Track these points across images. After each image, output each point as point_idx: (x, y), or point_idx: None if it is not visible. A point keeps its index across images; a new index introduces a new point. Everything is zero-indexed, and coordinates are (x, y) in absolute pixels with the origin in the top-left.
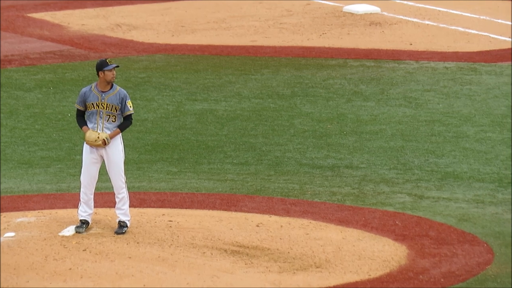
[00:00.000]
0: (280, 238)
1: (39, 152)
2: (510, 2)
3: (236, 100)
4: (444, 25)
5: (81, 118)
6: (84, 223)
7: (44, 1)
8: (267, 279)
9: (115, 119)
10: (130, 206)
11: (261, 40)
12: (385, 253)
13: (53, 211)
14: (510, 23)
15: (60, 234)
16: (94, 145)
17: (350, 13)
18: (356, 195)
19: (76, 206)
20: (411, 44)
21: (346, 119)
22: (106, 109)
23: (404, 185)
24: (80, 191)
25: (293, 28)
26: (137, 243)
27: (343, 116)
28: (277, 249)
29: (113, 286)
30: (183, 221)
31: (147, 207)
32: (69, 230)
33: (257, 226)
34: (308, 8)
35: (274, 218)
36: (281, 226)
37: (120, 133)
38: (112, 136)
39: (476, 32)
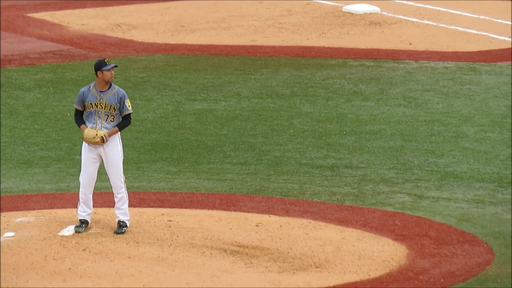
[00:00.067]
0: (280, 238)
1: (39, 152)
2: (510, 2)
3: (235, 100)
4: (444, 25)
5: (79, 117)
6: (83, 223)
7: (44, 1)
8: (267, 279)
9: (113, 119)
10: (129, 206)
11: (260, 40)
12: (385, 253)
13: (53, 211)
14: (510, 23)
15: (60, 234)
16: (92, 142)
17: (350, 12)
18: (356, 195)
19: (75, 206)
20: (410, 44)
21: (345, 119)
22: (104, 108)
23: (403, 185)
24: (79, 191)
25: (292, 27)
26: (137, 242)
27: (342, 116)
28: (277, 249)
29: (113, 286)
30: (182, 221)
31: (146, 206)
32: (69, 230)
33: (257, 226)
34: (308, 8)
35: (273, 218)
36: (281, 226)
37: (119, 133)
38: (110, 134)
39: (476, 32)
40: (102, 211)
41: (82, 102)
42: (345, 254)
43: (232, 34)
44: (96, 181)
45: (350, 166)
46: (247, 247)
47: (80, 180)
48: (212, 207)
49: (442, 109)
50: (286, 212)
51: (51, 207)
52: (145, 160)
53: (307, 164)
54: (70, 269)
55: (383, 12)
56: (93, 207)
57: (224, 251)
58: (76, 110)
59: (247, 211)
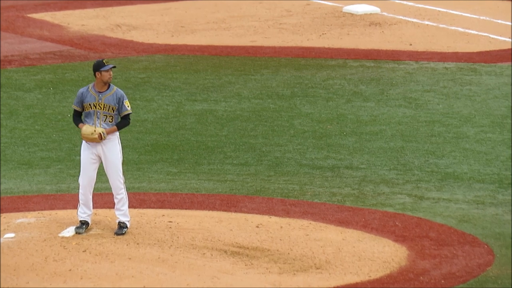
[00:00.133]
0: (280, 239)
1: (39, 153)
2: (510, 2)
3: (236, 100)
4: (444, 26)
5: (78, 118)
6: (84, 224)
7: (44, 1)
8: (267, 280)
9: (112, 119)
10: (130, 207)
11: (260, 41)
12: (385, 254)
13: (53, 212)
14: (510, 23)
15: (60, 235)
16: (90, 139)
17: (350, 13)
18: (356, 196)
19: (76, 207)
20: (410, 45)
21: (346, 119)
22: (103, 109)
23: (404, 186)
24: (78, 192)
25: (292, 28)
26: (137, 244)
27: (343, 116)
28: (277, 250)
29: (113, 287)
30: (183, 222)
31: (147, 207)
32: (69, 231)
33: (257, 227)
34: (308, 9)
35: (274, 219)
36: (281, 227)
37: (118, 134)
38: (109, 132)
39: (476, 32)
40: (103, 212)
41: (81, 103)
42: (346, 255)
43: (232, 34)
44: (96, 182)
45: (351, 167)
46: (248, 248)
47: (80, 181)
48: (213, 208)
49: (443, 110)
50: (287, 213)
51: (52, 208)
52: (145, 161)
53: (307, 165)
54: (70, 270)
55: (383, 13)
56: (94, 208)
57: (225, 252)
58: (75, 110)
59: (248, 212)
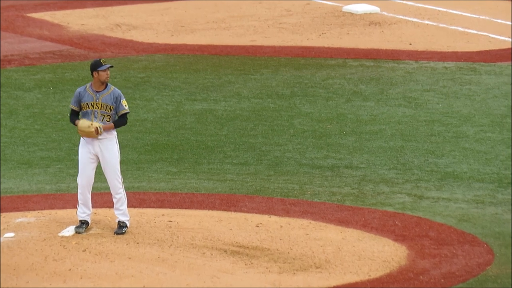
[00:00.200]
0: (280, 239)
1: (39, 152)
2: (509, 2)
3: (235, 100)
4: (444, 25)
5: (75, 116)
6: (83, 224)
7: (43, 1)
8: (267, 280)
9: (109, 119)
10: (129, 206)
11: (260, 40)
12: (385, 254)
13: (53, 212)
14: (509, 23)
15: (60, 234)
16: (86, 132)
17: (350, 13)
18: (356, 195)
19: (75, 206)
20: (410, 44)
21: (345, 119)
22: (100, 108)
23: (403, 185)
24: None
25: (292, 28)
26: (137, 243)
27: (342, 116)
28: (277, 250)
29: (113, 287)
30: (182, 222)
31: (146, 207)
32: (69, 231)
33: (257, 226)
34: (308, 8)
35: (273, 218)
36: (281, 227)
37: (116, 133)
38: (105, 128)
39: (476, 32)
40: (103, 212)
41: (79, 103)
42: (346, 254)
43: (232, 34)
44: (96, 181)
45: (350, 167)
46: (248, 247)
47: (78, 181)
48: (212, 207)
49: (442, 109)
50: (286, 213)
51: (51, 207)
52: (145, 160)
53: (307, 165)
54: (70, 269)
55: (383, 12)
56: (93, 207)
57: (225, 251)
58: (72, 110)
59: (247, 212)
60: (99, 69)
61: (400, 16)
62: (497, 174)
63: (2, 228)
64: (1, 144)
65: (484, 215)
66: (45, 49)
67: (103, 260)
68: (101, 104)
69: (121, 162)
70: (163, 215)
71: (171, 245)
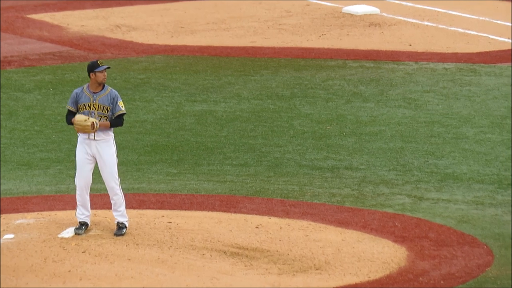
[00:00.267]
0: (280, 240)
1: (39, 154)
2: (509, 3)
3: (235, 101)
4: (444, 26)
5: (71, 117)
6: (83, 225)
7: (43, 2)
8: (267, 281)
9: (106, 119)
10: (129, 208)
11: (260, 41)
12: (385, 255)
13: (53, 213)
14: (509, 24)
15: (60, 236)
16: (82, 126)
17: (350, 14)
18: (356, 197)
19: (75, 208)
20: (410, 45)
21: (345, 120)
22: (97, 110)
23: (403, 186)
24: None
25: (292, 29)
26: (137, 244)
27: (342, 117)
28: (277, 251)
29: None
30: (182, 223)
31: (146, 208)
32: (68, 232)
33: (257, 227)
34: (308, 9)
35: (273, 219)
36: (281, 228)
37: (113, 135)
38: (101, 125)
39: (476, 33)
40: (102, 213)
41: (76, 104)
42: (345, 256)
43: (232, 35)
44: (96, 183)
45: (350, 168)
46: (247, 249)
47: (76, 182)
48: (212, 208)
49: (442, 111)
50: (286, 214)
51: (51, 209)
52: (145, 161)
53: (307, 166)
54: (69, 271)
55: (383, 13)
56: (93, 209)
57: (224, 253)
58: (69, 111)
59: (247, 213)
60: (96, 70)
61: (400, 17)
62: (497, 175)
63: (1, 229)
64: (1, 145)
65: (484, 216)
66: (45, 50)
67: (102, 261)
68: (98, 105)
69: (120, 163)
70: (163, 216)
71: (170, 246)
